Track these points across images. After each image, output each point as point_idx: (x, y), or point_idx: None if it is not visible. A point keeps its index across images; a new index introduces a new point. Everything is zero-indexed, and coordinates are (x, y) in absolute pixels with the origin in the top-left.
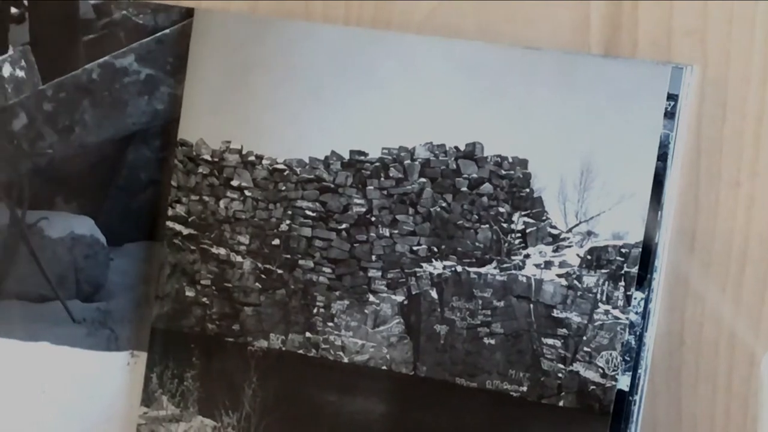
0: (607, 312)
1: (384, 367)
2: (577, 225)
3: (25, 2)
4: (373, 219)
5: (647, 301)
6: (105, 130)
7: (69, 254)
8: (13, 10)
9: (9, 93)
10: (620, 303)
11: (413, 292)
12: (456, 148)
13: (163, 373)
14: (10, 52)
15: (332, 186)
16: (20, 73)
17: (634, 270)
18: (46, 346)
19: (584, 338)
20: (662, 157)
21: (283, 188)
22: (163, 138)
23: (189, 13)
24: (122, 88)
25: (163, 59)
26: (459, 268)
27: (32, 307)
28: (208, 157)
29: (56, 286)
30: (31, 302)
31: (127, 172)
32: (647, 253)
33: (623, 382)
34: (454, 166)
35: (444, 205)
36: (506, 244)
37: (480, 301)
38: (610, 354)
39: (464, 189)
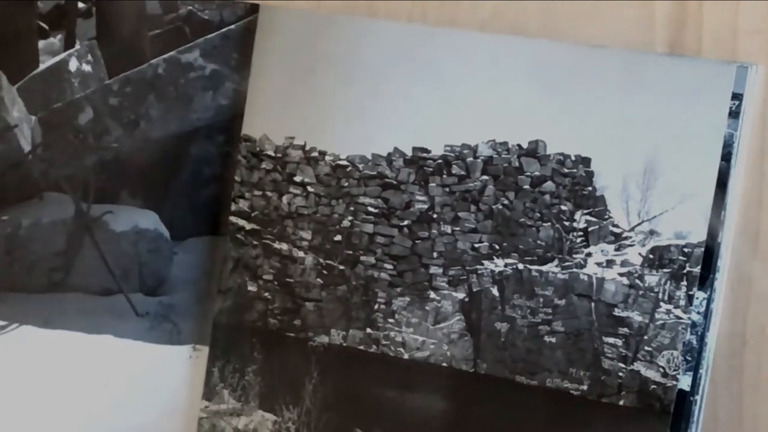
0: (668, 311)
1: (444, 364)
2: (639, 224)
3: None
4: (435, 216)
5: (709, 300)
6: (170, 124)
7: (133, 248)
8: (81, 5)
9: (75, 87)
10: (682, 302)
11: (474, 290)
12: (519, 145)
13: (225, 368)
14: (77, 46)
15: (395, 182)
16: (87, 68)
17: (697, 270)
18: (110, 339)
19: (645, 337)
20: (726, 156)
21: (346, 184)
22: (227, 133)
23: (254, 8)
24: (187, 84)
25: (228, 55)
26: (520, 266)
27: (96, 300)
28: (271, 153)
29: (120, 280)
30: (95, 295)
31: (191, 167)
32: (710, 252)
33: (684, 382)
34: (517, 164)
35: (506, 202)
36: (568, 243)
37: (541, 299)
38: (672, 353)
39: (526, 187)
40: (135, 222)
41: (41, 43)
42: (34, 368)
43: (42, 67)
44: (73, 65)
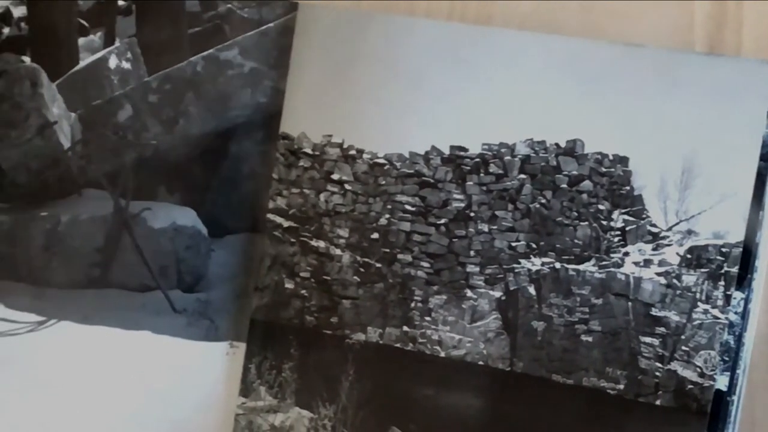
0: (706, 311)
1: (480, 363)
2: (677, 224)
3: None
4: (472, 214)
5: (747, 301)
6: (208, 122)
7: (171, 245)
8: (121, 2)
9: (115, 84)
10: (719, 302)
11: (511, 288)
12: (556, 144)
13: (262, 364)
14: (117, 44)
15: (432, 181)
16: (126, 65)
17: (735, 269)
18: (148, 335)
19: (682, 337)
20: (765, 156)
21: (383, 182)
22: (265, 131)
23: (293, 6)
24: (226, 81)
25: (267, 52)
26: (557, 265)
27: (134, 296)
28: (309, 151)
29: (158, 276)
30: (133, 291)
31: (229, 164)
32: (748, 252)
33: (721, 382)
34: (555, 163)
35: (543, 201)
36: (605, 242)
37: (578, 298)
38: (709, 353)
39: (564, 186)
40: (173, 219)
41: (81, 41)
42: (73, 363)
43: (82, 64)
44: (112, 62)
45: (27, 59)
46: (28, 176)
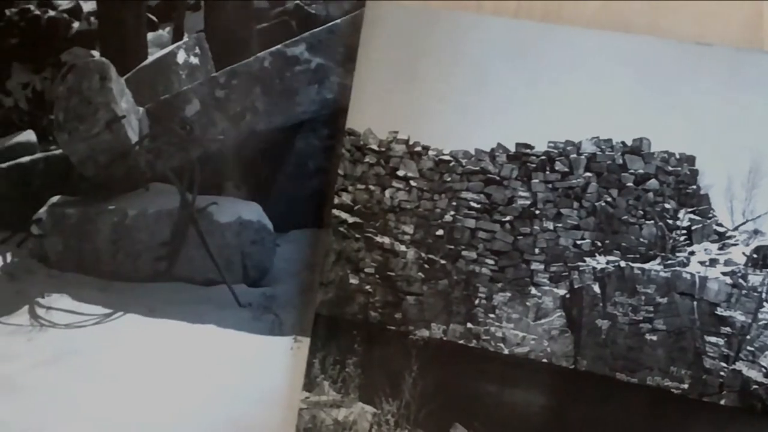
0: None
1: (544, 360)
2: (743, 223)
3: None
4: (537, 212)
5: None
6: (275, 117)
7: (237, 239)
8: None
9: (183, 79)
10: None
11: (576, 286)
12: (623, 143)
13: (326, 359)
14: (185, 39)
15: (497, 178)
16: (194, 60)
17: None
18: (212, 328)
19: (748, 337)
20: None
21: (449, 179)
22: (331, 127)
23: (361, 3)
24: (293, 77)
25: (334, 49)
26: (622, 264)
27: (199, 290)
28: (375, 147)
29: (223, 270)
30: (198, 285)
31: (295, 159)
32: None
33: None
34: (621, 161)
35: (609, 199)
36: (671, 241)
37: (643, 297)
38: None
39: (630, 184)
40: (239, 213)
41: (150, 35)
42: (138, 356)
43: (150, 59)
44: (181, 57)
45: (96, 54)
46: (96, 170)
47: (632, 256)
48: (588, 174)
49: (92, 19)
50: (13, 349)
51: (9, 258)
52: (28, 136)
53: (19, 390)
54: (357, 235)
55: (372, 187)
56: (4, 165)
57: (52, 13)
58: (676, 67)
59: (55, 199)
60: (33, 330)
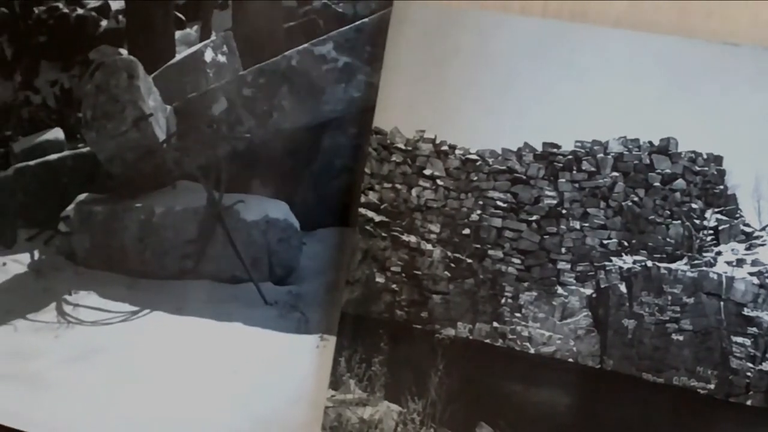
0: None
1: (570, 360)
2: None
3: None
4: (563, 211)
5: None
6: (302, 116)
7: (263, 237)
8: None
9: (210, 77)
10: None
11: (602, 286)
12: (650, 142)
13: (352, 358)
14: (213, 37)
15: (524, 177)
16: (222, 59)
17: None
18: (239, 326)
19: None
20: None
21: (475, 178)
22: (358, 126)
23: (388, 2)
24: (320, 76)
25: (361, 48)
26: (649, 263)
27: (226, 288)
28: (401, 146)
29: (250, 268)
30: (224, 283)
31: (322, 158)
32: None
33: None
34: (648, 161)
35: (636, 199)
36: (698, 241)
37: (669, 297)
38: None
39: (657, 184)
40: (265, 211)
41: (178, 34)
42: (164, 353)
43: (178, 57)
44: (208, 56)
45: (124, 52)
46: (124, 168)
47: (659, 255)
48: (615, 173)
49: (120, 17)
50: (41, 346)
51: (36, 255)
52: (56, 133)
53: (46, 387)
54: (383, 234)
55: (399, 186)
56: (32, 162)
57: (80, 11)
58: (703, 67)
59: (82, 196)
60: (60, 327)
